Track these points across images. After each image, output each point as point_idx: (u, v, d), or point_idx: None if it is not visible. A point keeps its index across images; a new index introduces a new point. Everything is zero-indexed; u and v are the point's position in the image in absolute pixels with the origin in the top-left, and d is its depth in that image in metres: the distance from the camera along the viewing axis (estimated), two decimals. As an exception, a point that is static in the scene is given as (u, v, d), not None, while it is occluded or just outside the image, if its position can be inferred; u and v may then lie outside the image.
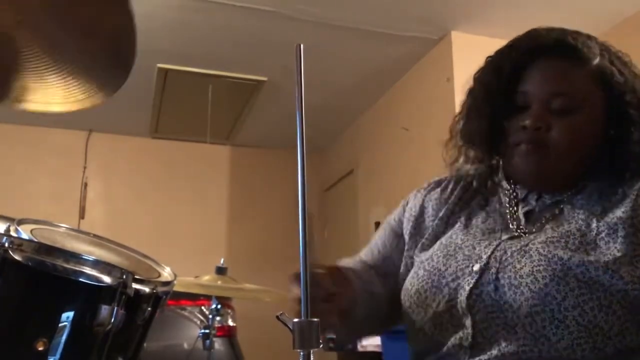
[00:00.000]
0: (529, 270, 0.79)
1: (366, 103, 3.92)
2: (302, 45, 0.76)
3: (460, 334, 0.82)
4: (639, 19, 2.78)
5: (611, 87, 0.88)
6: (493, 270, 0.82)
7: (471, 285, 0.83)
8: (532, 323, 0.76)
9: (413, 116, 3.38)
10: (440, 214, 0.97)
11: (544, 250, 0.80)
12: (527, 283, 0.78)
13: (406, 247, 1.00)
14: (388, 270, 1.00)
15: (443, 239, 0.94)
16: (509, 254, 0.83)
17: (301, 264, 0.65)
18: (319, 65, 3.30)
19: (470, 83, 0.99)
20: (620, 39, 3.21)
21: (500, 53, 0.98)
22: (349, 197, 4.27)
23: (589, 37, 0.93)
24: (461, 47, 2.98)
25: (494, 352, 0.79)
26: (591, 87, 0.88)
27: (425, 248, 0.96)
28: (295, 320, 0.63)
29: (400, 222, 1.04)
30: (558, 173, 0.89)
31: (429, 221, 0.99)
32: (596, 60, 0.89)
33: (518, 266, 0.80)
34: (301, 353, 0.62)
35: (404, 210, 1.05)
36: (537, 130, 0.87)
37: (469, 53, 2.92)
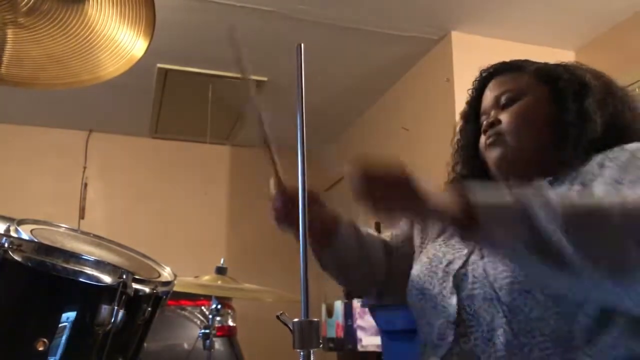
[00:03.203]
0: None
1: (366, 103, 3.91)
2: (302, 45, 0.76)
3: (447, 312, 0.88)
4: (639, 19, 2.78)
5: (550, 78, 1.00)
6: (478, 251, 0.89)
7: (459, 266, 0.90)
8: (506, 295, 0.81)
9: (413, 116, 3.38)
10: None
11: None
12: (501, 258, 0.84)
13: (415, 240, 1.11)
14: (397, 245, 1.13)
15: (448, 232, 1.02)
16: None
17: (301, 264, 0.65)
18: (319, 65, 3.30)
19: (454, 134, 1.14)
20: (620, 39, 3.21)
21: (466, 103, 1.12)
22: (349, 197, 4.26)
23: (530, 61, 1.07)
24: (461, 47, 2.97)
25: (480, 327, 0.84)
26: (532, 83, 1.01)
27: (433, 240, 1.06)
28: (295, 320, 0.63)
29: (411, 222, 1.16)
30: (524, 154, 0.97)
31: None
32: (534, 66, 1.03)
33: None
34: (301, 353, 0.62)
35: None
36: (493, 126, 1.00)
37: (469, 53, 2.92)
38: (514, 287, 0.80)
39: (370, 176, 0.78)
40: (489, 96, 1.05)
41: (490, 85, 1.06)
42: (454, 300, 0.88)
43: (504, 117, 0.99)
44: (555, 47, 3.06)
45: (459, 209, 0.73)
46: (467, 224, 0.72)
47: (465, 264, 0.89)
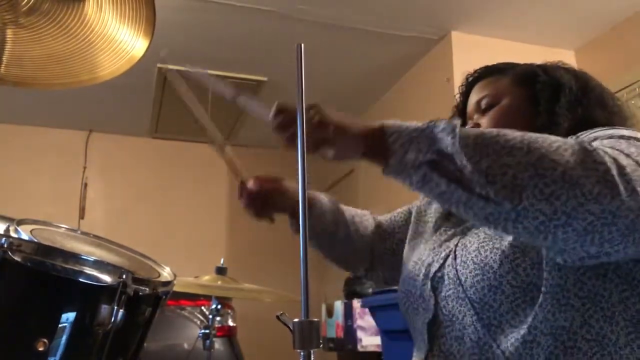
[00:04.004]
0: (476, 247, 0.86)
1: (366, 103, 3.91)
2: (302, 45, 0.76)
3: (426, 314, 0.91)
4: (639, 19, 2.78)
5: (527, 80, 1.01)
6: (455, 254, 0.91)
7: (436, 269, 0.92)
8: (476, 292, 0.83)
9: (413, 116, 3.36)
10: (439, 214, 1.08)
11: (489, 229, 0.87)
12: (472, 257, 0.85)
13: (409, 232, 1.14)
14: (388, 228, 1.18)
15: (435, 235, 1.04)
16: (467, 238, 0.91)
17: (301, 264, 0.65)
18: (319, 65, 3.30)
19: None
20: (620, 39, 3.21)
21: (454, 107, 1.14)
22: (349, 197, 4.27)
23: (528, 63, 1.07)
24: (461, 47, 2.97)
25: (454, 327, 0.86)
26: (511, 85, 1.02)
27: (426, 241, 1.06)
28: (295, 320, 0.63)
29: (409, 211, 1.19)
30: None
31: (429, 217, 1.11)
32: (514, 69, 1.04)
33: (468, 245, 0.88)
34: (301, 353, 0.62)
35: (414, 206, 1.20)
36: None
37: (469, 53, 2.92)
38: (483, 283, 0.82)
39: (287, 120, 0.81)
40: (472, 101, 1.06)
41: (474, 89, 1.07)
42: (431, 302, 0.90)
43: (484, 121, 1.01)
44: (555, 47, 3.06)
45: (370, 132, 0.77)
46: (378, 147, 0.76)
47: (441, 266, 0.91)
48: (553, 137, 0.70)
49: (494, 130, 0.72)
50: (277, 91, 3.63)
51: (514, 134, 0.70)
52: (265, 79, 3.51)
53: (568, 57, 3.09)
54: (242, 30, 2.98)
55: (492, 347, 0.81)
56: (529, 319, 0.78)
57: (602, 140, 0.77)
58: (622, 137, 0.76)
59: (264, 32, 3.00)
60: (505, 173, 0.67)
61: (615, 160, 0.67)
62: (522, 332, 0.78)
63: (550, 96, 0.96)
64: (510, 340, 0.79)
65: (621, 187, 0.64)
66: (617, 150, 0.70)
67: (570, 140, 0.70)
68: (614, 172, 0.65)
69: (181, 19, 2.87)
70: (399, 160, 0.74)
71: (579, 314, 0.76)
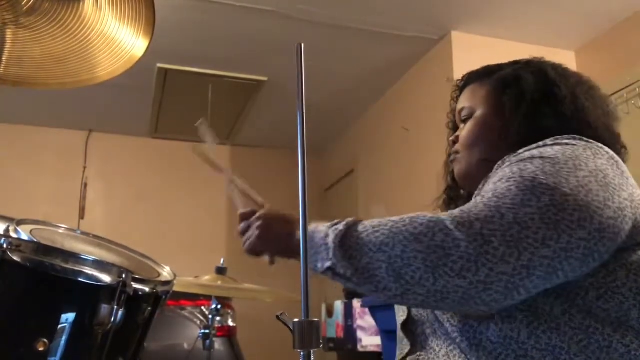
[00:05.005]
0: None
1: (366, 103, 3.91)
2: (302, 45, 0.76)
3: (402, 315, 0.97)
4: (639, 19, 2.78)
5: (501, 89, 1.00)
6: None
7: None
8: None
9: (413, 116, 3.38)
10: None
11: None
12: None
13: None
14: None
15: None
16: None
17: (302, 263, 0.65)
18: (319, 65, 3.30)
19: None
20: (620, 39, 3.21)
21: (449, 112, 1.14)
22: (349, 197, 4.27)
23: (513, 62, 1.05)
24: (461, 47, 2.97)
25: (424, 327, 0.91)
26: (488, 96, 1.01)
27: None
28: (296, 320, 0.63)
29: None
30: (473, 170, 1.00)
31: None
32: (494, 76, 1.02)
33: None
34: (301, 353, 0.62)
35: None
36: (454, 144, 1.05)
37: (469, 53, 2.92)
38: None
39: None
40: (457, 109, 1.06)
41: (461, 96, 1.07)
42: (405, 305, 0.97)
43: (461, 133, 1.03)
44: (555, 47, 3.06)
45: (294, 242, 0.93)
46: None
47: None
48: (420, 221, 0.76)
49: (370, 228, 0.79)
50: (277, 91, 3.64)
51: (384, 229, 0.77)
52: (265, 79, 3.51)
53: (568, 57, 3.09)
54: (242, 30, 2.98)
55: (456, 342, 0.83)
56: (480, 327, 0.80)
57: (505, 169, 0.81)
58: (520, 161, 0.81)
59: (264, 32, 3.00)
60: (381, 267, 0.75)
61: (480, 234, 0.71)
62: (473, 334, 0.80)
63: (514, 109, 0.95)
64: (472, 342, 0.81)
65: (483, 260, 0.70)
66: (487, 209, 0.74)
67: (435, 221, 0.75)
68: (471, 250, 0.70)
69: (181, 19, 2.87)
70: (313, 268, 0.85)
71: (523, 325, 0.77)
